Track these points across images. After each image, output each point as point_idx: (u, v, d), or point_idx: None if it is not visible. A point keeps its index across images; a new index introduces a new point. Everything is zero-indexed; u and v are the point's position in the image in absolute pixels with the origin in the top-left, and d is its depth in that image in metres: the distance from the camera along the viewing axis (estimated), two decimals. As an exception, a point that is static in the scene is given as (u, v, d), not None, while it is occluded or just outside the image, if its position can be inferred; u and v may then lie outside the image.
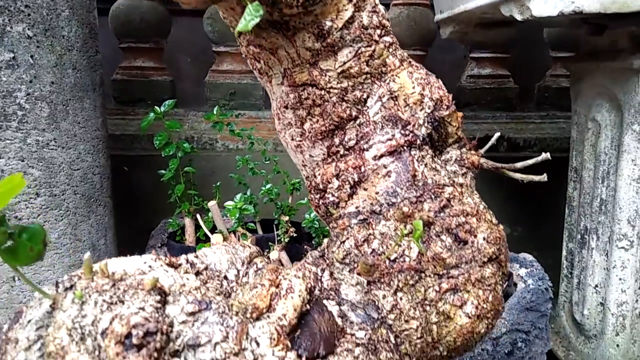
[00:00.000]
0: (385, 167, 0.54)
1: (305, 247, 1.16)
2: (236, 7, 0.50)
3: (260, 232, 1.24)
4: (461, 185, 0.57)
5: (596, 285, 1.20)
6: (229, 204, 1.13)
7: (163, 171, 1.19)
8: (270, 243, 1.13)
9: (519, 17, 0.94)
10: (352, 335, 0.47)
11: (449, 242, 0.52)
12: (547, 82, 1.89)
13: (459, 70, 1.89)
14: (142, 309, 0.38)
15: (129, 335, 0.36)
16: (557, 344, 1.34)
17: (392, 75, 0.56)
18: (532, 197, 1.67)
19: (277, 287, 0.45)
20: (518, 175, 0.61)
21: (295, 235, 1.15)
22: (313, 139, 0.57)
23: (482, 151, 0.62)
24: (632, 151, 1.04)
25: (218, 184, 1.24)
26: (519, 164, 0.60)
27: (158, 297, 0.39)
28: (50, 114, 0.93)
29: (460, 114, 0.61)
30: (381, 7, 0.57)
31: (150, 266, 0.44)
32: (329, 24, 0.52)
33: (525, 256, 1.26)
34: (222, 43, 1.65)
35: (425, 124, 0.57)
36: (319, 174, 0.57)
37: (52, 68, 0.93)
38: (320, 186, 0.57)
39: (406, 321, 0.49)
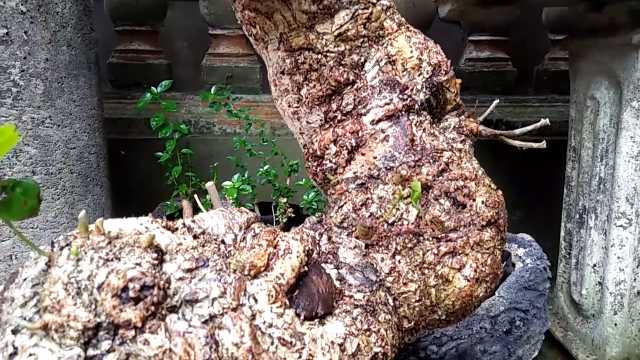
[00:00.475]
0: (383, 131, 0.54)
1: (303, 227, 1.15)
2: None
3: (258, 214, 1.24)
4: (460, 150, 0.56)
5: (594, 265, 1.20)
6: (227, 183, 1.12)
7: (160, 153, 1.18)
8: (268, 224, 1.12)
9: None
10: (351, 297, 0.47)
11: (447, 205, 0.52)
12: (546, 66, 1.89)
13: (458, 55, 1.88)
14: (139, 264, 0.37)
15: (125, 289, 0.35)
16: (554, 325, 1.35)
17: (390, 39, 0.55)
18: (530, 182, 1.67)
19: (274, 247, 0.45)
20: (517, 143, 0.60)
21: (293, 216, 1.15)
22: (310, 104, 0.56)
23: (480, 119, 0.62)
24: (631, 128, 1.04)
25: (216, 164, 1.24)
26: (517, 130, 0.60)
27: (155, 255, 0.39)
28: (45, 91, 0.92)
29: (458, 80, 0.60)
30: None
31: (146, 227, 0.44)
32: (325, -15, 0.51)
33: (524, 236, 1.27)
34: (219, 25, 1.64)
35: (424, 89, 0.56)
36: (316, 141, 0.57)
37: (47, 45, 0.92)
38: (318, 153, 0.56)
39: (404, 284, 0.49)
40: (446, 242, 0.51)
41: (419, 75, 0.56)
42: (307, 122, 0.58)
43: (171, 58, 1.76)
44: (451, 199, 0.52)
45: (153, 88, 1.12)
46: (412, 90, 0.55)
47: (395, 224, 0.50)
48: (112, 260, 0.38)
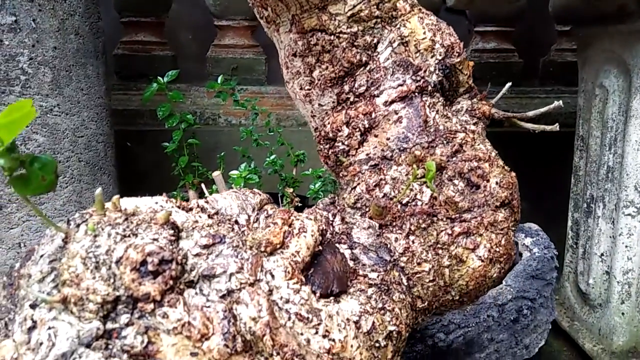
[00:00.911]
0: (396, 112, 0.54)
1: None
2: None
3: (265, 203, 1.24)
4: (473, 132, 0.56)
5: (602, 254, 1.20)
6: (234, 173, 1.12)
7: (167, 144, 1.18)
8: (275, 212, 1.12)
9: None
10: (365, 276, 0.47)
11: (461, 186, 0.52)
12: (552, 57, 1.88)
13: (464, 46, 1.87)
14: (156, 240, 0.37)
15: (144, 263, 0.35)
16: (561, 315, 1.35)
17: (403, 20, 0.55)
18: (537, 173, 1.66)
19: (289, 226, 0.45)
20: (529, 125, 0.60)
21: (300, 205, 1.15)
22: (322, 86, 0.56)
23: (493, 101, 0.61)
24: (640, 116, 1.03)
25: (222, 154, 1.24)
26: (530, 113, 0.59)
27: (171, 231, 0.39)
28: (53, 79, 0.92)
29: (471, 62, 0.60)
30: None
31: (162, 206, 0.44)
32: (338, -35, 0.51)
33: (531, 225, 1.26)
34: (224, 17, 1.64)
35: (437, 71, 0.56)
36: (329, 123, 0.57)
37: (55, 33, 0.92)
38: (330, 135, 0.56)
39: (418, 264, 0.49)
40: (460, 223, 0.51)
41: (431, 57, 0.56)
42: (319, 104, 0.58)
43: (176, 50, 1.75)
44: (465, 179, 0.52)
45: (160, 78, 1.12)
46: (425, 71, 0.55)
47: (409, 204, 0.50)
48: (129, 236, 0.38)
